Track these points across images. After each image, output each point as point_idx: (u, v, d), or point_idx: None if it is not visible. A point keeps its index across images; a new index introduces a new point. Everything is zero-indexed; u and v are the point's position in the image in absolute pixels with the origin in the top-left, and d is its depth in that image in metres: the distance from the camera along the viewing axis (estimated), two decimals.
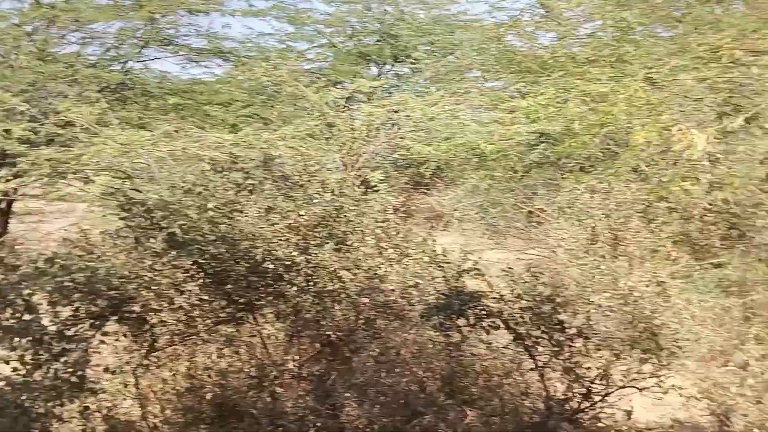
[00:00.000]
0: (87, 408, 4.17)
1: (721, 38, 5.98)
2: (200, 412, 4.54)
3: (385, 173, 10.23)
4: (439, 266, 4.76)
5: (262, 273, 4.60)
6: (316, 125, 8.55)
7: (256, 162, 5.13)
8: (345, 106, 9.09)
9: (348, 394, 4.28)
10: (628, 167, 7.17)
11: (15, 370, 3.95)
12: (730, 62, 5.91)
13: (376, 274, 4.86)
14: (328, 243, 4.89)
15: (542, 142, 9.28)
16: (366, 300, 4.75)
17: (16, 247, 8.10)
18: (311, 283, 4.67)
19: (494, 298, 4.60)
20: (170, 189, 4.74)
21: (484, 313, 4.53)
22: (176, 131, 7.84)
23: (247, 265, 4.56)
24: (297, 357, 4.67)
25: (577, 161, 8.97)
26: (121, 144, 7.32)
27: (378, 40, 13.81)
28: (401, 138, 9.15)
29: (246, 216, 4.66)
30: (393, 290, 4.87)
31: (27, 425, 3.81)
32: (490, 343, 4.70)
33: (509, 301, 4.56)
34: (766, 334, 6.32)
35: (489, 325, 4.52)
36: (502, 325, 4.52)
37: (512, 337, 4.54)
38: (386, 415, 4.24)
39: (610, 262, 5.83)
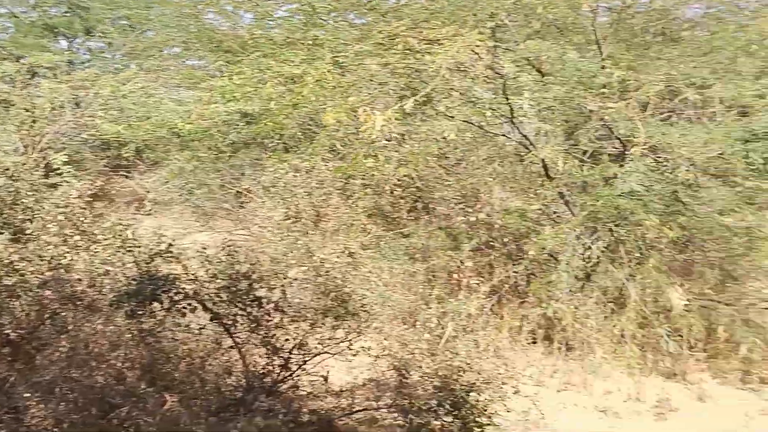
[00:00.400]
0: None
1: (398, 26, 6.51)
2: None
3: (79, 155, 9.51)
4: (129, 251, 4.57)
5: None
6: None
7: None
8: (26, 82, 8.21)
9: (29, 395, 3.93)
10: (324, 147, 7.52)
11: None
12: (407, 49, 6.46)
13: (60, 264, 4.52)
14: (2, 233, 4.43)
15: (247, 123, 9.32)
16: (50, 293, 4.40)
17: None
18: None
19: (190, 279, 4.55)
20: None
21: (180, 295, 4.45)
22: None
23: None
24: None
25: (280, 141, 9.18)
26: None
27: (66, 12, 12.67)
28: (90, 117, 8.52)
29: None
30: (80, 280, 4.58)
31: None
32: (188, 326, 4.65)
33: (205, 281, 4.55)
34: (445, 294, 7.12)
35: (185, 308, 4.45)
36: (198, 306, 4.49)
37: (210, 318, 4.53)
38: (76, 412, 3.98)
39: (307, 237, 6.11)
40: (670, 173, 6.36)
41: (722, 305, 6.72)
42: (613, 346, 6.23)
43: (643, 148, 6.01)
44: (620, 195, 5.90)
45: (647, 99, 6.58)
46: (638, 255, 6.45)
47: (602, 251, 6.49)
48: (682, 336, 6.25)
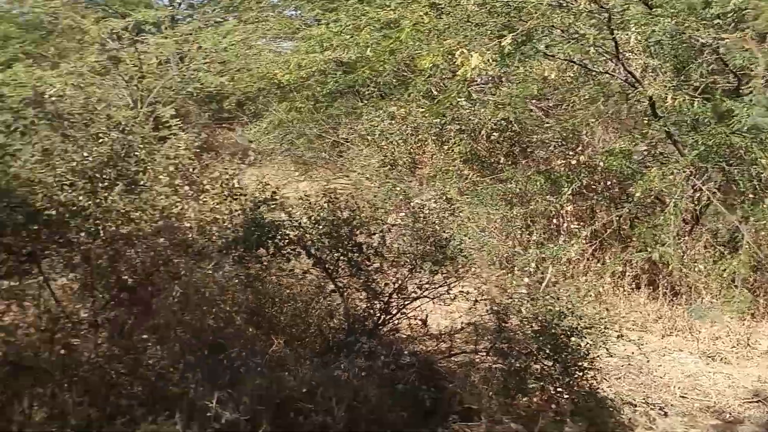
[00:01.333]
0: None
1: None
2: None
3: (184, 109, 9.86)
4: (235, 199, 4.74)
5: (45, 221, 4.32)
6: (98, 60, 7.93)
7: (27, 101, 4.70)
8: (132, 39, 8.54)
9: (146, 337, 4.20)
10: (420, 92, 7.46)
11: None
12: None
13: (171, 213, 4.74)
14: (117, 185, 4.67)
15: (344, 72, 9.36)
16: (162, 240, 4.63)
17: None
18: (102, 228, 4.46)
19: (294, 226, 4.67)
20: None
21: (285, 241, 4.59)
22: None
23: (26, 213, 4.25)
24: (91, 305, 4.48)
25: (375, 88, 9.17)
26: None
27: None
28: (195, 71, 8.78)
29: (19, 160, 4.31)
30: (191, 228, 4.79)
31: None
32: (292, 271, 4.80)
33: (308, 227, 4.66)
34: (544, 240, 7.01)
35: (289, 253, 4.60)
36: (302, 252, 4.62)
37: (313, 263, 4.66)
38: (190, 353, 4.22)
39: (404, 184, 6.13)
40: None
41: None
42: (722, 290, 5.98)
43: (763, 81, 5.60)
44: (734, 132, 5.56)
45: (766, 29, 6.11)
46: (752, 196, 6.10)
47: (713, 192, 6.18)
48: None
